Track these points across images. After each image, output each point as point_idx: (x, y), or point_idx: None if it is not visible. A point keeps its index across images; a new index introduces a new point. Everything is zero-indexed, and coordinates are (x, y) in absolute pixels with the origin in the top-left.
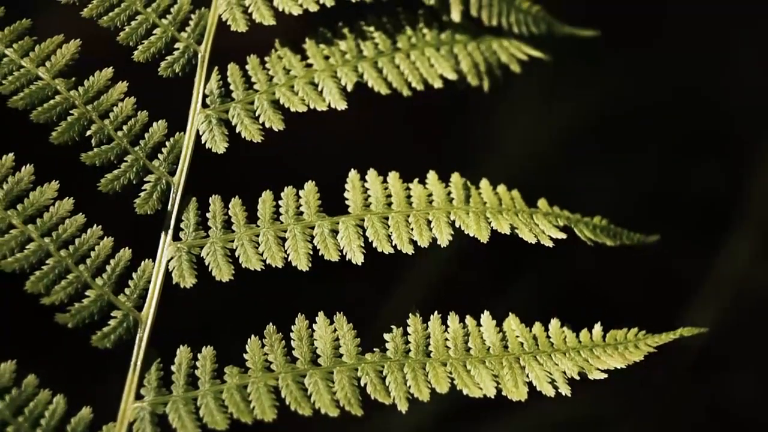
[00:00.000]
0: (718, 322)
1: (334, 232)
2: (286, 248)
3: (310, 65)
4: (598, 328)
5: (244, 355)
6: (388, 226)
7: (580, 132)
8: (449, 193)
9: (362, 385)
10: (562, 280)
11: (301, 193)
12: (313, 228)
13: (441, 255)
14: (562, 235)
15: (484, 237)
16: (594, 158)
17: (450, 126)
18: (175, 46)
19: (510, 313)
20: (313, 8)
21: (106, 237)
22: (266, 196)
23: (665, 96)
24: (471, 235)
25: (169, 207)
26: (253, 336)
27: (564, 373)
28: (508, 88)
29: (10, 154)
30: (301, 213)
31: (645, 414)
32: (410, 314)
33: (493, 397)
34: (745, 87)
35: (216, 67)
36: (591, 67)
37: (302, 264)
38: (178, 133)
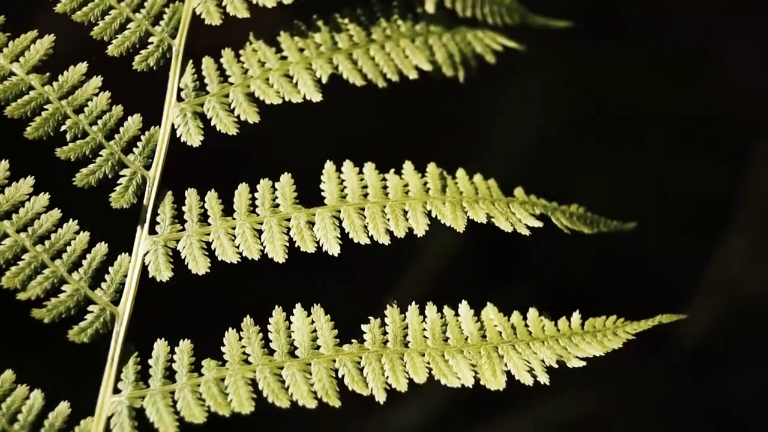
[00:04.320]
0: (715, 322)
1: (311, 224)
2: (262, 240)
3: (285, 58)
4: (576, 316)
5: (221, 348)
6: (365, 217)
7: (575, 132)
8: (425, 183)
9: (340, 376)
10: (557, 280)
11: (277, 185)
12: (289, 220)
13: (439, 253)
14: (539, 224)
15: (460, 226)
16: (590, 158)
17: (444, 123)
18: (150, 40)
19: (488, 303)
20: (288, 1)
21: (82, 232)
22: (242, 188)
23: (662, 95)
24: (447, 224)
25: (144, 201)
26: (230, 329)
27: (543, 361)
28: (506, 86)
29: None
30: (278, 205)
31: (644, 414)
32: (387, 305)
33: (470, 386)
34: (742, 87)
35: (191, 61)
36: (587, 67)
37: (278, 256)
38: (153, 127)
